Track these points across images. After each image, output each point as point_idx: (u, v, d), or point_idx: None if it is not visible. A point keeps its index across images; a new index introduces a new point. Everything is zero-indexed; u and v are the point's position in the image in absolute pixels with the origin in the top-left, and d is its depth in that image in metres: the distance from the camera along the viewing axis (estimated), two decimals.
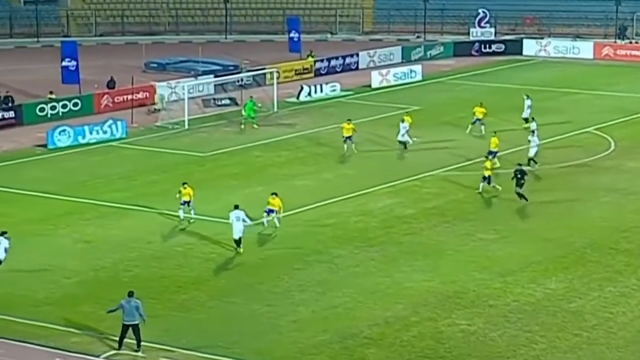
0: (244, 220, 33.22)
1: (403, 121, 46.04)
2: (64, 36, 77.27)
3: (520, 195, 37.69)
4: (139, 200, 38.89)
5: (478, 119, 49.11)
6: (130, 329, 25.97)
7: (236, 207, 33.57)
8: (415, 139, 47.66)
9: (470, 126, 49.04)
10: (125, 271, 31.73)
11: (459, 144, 47.16)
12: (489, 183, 38.90)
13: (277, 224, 35.41)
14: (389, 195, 39.53)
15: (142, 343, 26.14)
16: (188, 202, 36.33)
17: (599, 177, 41.96)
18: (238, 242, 33.17)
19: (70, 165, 44.82)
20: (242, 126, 51.05)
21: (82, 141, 48.18)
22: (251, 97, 52.81)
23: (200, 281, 30.94)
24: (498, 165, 41.70)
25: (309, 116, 54.21)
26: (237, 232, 33.06)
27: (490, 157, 40.62)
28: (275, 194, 35.50)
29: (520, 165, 37.90)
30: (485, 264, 32.11)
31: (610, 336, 27.01)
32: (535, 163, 42.76)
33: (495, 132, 43.11)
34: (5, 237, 31.43)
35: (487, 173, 38.87)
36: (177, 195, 36.50)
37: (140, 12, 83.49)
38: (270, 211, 35.33)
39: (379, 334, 27.18)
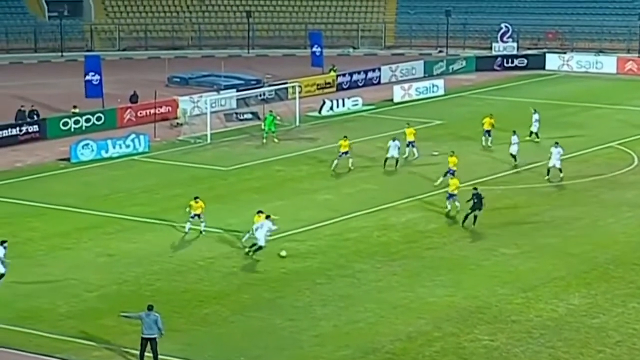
0: (270, 228, 33.69)
1: (394, 139, 45.57)
2: (88, 50, 77.79)
3: (473, 217, 36.28)
4: (161, 214, 38.97)
5: (487, 131, 49.44)
6: (149, 343, 25.95)
7: (267, 216, 34.10)
8: (435, 152, 47.62)
9: (482, 138, 49.40)
10: (147, 285, 31.77)
11: (480, 158, 47.01)
12: (450, 199, 38.00)
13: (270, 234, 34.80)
14: (411, 209, 39.45)
15: (164, 357, 26.13)
16: (199, 215, 36.37)
17: (622, 192, 41.72)
18: (259, 248, 33.61)
19: (93, 179, 44.99)
20: (264, 140, 51.12)
21: (105, 155, 48.37)
22: (270, 111, 52.88)
23: (222, 295, 30.93)
24: (437, 183, 41.38)
25: (331, 130, 54.21)
26: (261, 239, 33.68)
27: (450, 175, 40.44)
28: (261, 212, 34.68)
29: (475, 189, 36.78)
30: (508, 279, 31.96)
31: (634, 352, 26.79)
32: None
33: (453, 152, 42.76)
34: (3, 246, 31.25)
35: (452, 190, 37.95)
36: (187, 209, 36.55)
37: (164, 27, 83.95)
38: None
39: (401, 349, 27.08)
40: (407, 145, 47.23)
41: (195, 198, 36.90)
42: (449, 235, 36.49)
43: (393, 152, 45.20)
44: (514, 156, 45.40)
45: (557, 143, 44.12)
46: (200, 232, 36.44)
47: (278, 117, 52.52)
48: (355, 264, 33.50)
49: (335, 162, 44.69)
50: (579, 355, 26.63)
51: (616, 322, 28.62)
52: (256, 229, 33.89)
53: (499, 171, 44.98)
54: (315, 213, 38.91)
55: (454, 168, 41.56)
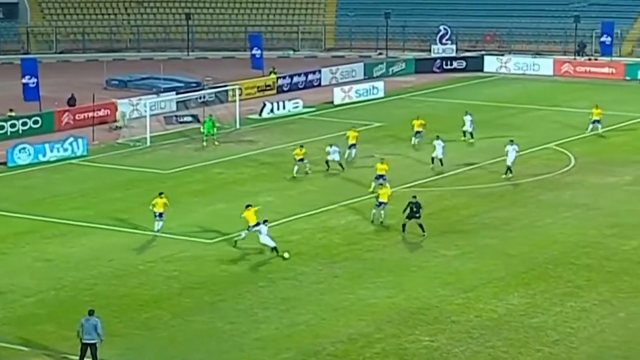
0: (259, 232, 34.09)
1: (331, 145, 45.74)
2: (24, 53, 76.82)
3: (419, 227, 36.21)
4: (100, 218, 38.63)
5: (418, 132, 50.09)
6: (89, 348, 25.67)
7: (265, 221, 34.44)
8: (375, 154, 47.82)
9: (412, 139, 50.17)
10: (86, 290, 31.46)
11: (419, 160, 47.32)
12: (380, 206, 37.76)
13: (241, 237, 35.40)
14: (352, 212, 39.58)
15: None
16: (161, 214, 36.35)
17: (560, 192, 42.31)
18: (275, 249, 34.03)
19: (30, 183, 44.45)
20: (204, 143, 50.94)
21: (42, 159, 47.82)
22: (210, 115, 52.74)
23: (162, 299, 30.74)
24: (370, 189, 41.43)
25: (272, 133, 54.22)
26: (268, 242, 34.00)
27: (380, 181, 40.83)
28: (249, 206, 35.51)
29: (414, 197, 36.49)
30: (448, 280, 32.21)
31: (572, 351, 27.17)
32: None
33: (383, 159, 43.11)
34: None
35: (382, 199, 37.69)
36: (151, 207, 36.41)
37: (101, 29, 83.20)
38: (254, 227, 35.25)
39: (343, 351, 27.15)
40: (349, 148, 47.45)
41: (160, 194, 36.75)
42: (390, 237, 36.67)
43: (334, 156, 45.32)
44: (438, 160, 45.18)
45: (511, 141, 44.75)
46: (157, 232, 36.38)
47: (217, 122, 52.27)
48: (296, 267, 33.51)
49: (297, 168, 44.65)
50: (518, 354, 26.93)
51: (554, 321, 29.00)
52: (254, 231, 34.02)
53: (439, 173, 45.28)
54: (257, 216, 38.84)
55: (384, 174, 41.60)
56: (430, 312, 29.64)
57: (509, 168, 44.13)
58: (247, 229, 35.12)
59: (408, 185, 42.18)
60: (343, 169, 45.31)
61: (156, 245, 35.58)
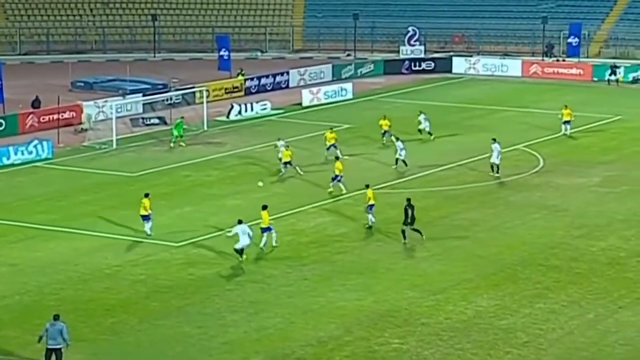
0: (249, 235, 33.70)
1: (279, 139, 46.60)
2: None
3: (418, 232, 35.89)
4: (66, 222, 38.41)
5: (386, 131, 50.69)
6: (54, 354, 25.51)
7: (240, 221, 33.92)
8: (345, 157, 47.94)
9: (383, 139, 50.65)
10: (52, 294, 31.27)
11: (389, 162, 47.46)
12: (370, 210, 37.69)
13: (275, 243, 35.38)
14: (321, 214, 39.63)
15: None
16: (147, 216, 36.43)
17: (528, 194, 42.58)
18: (241, 251, 33.66)
19: None
20: (172, 144, 50.80)
21: (6, 162, 47.47)
22: (182, 117, 52.60)
23: (129, 304, 30.62)
24: (344, 191, 41.74)
25: (240, 135, 54.17)
26: (242, 243, 33.64)
27: (337, 181, 41.46)
28: (265, 207, 35.47)
29: (409, 200, 36.21)
30: (417, 282, 32.32)
31: (541, 353, 27.35)
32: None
33: (337, 157, 43.44)
34: None
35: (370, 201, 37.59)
36: (142, 209, 36.45)
37: (66, 31, 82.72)
38: (266, 230, 35.27)
39: (312, 354, 27.17)
40: (327, 148, 47.76)
41: (146, 195, 36.86)
42: (359, 239, 36.74)
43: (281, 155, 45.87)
44: (402, 161, 45.21)
45: (494, 139, 45.04)
46: (147, 235, 36.44)
47: (185, 125, 52.10)
48: (265, 269, 33.50)
49: (283, 170, 44.72)
50: (487, 356, 27.07)
51: (523, 322, 29.18)
52: (243, 233, 33.72)
53: (409, 174, 45.46)
54: (225, 219, 38.76)
55: (340, 174, 41.81)
56: (400, 314, 29.71)
57: (497, 166, 44.52)
58: (262, 231, 35.03)
59: (378, 186, 42.24)
60: (297, 169, 45.32)
61: (123, 249, 35.42)
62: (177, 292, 31.53)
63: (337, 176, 41.87)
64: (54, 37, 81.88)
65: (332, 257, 34.80)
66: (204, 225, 38.08)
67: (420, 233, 35.95)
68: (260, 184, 42.40)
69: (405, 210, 35.85)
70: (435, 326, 28.88)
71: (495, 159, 44.67)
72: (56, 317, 25.78)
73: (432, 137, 51.78)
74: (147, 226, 36.89)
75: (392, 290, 31.64)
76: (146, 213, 36.66)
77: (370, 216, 37.67)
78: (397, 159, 45.59)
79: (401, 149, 45.51)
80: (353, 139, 52.83)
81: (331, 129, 49.50)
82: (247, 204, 41.03)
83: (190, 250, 35.44)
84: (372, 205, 37.59)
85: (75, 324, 27.59)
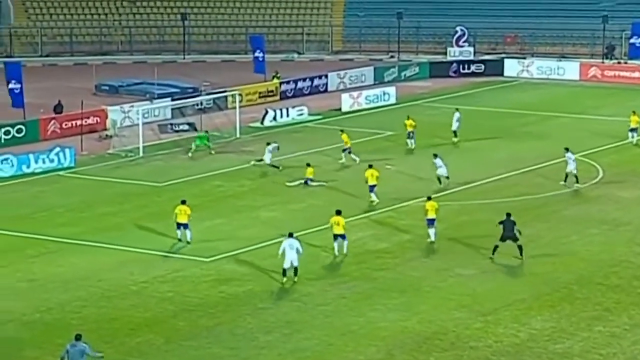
0: (297, 250, 33.69)
1: (269, 144, 48.05)
2: (7, 56, 77.12)
3: (518, 249, 35.59)
4: (89, 235, 38.69)
5: (411, 132, 51.60)
6: None
7: (290, 235, 34.07)
8: (388, 166, 47.95)
9: (407, 141, 51.55)
10: (74, 312, 31.49)
11: (435, 171, 47.31)
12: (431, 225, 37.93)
13: (345, 250, 35.84)
14: (362, 227, 39.61)
15: None
16: (185, 225, 36.87)
17: (586, 207, 42.29)
18: (285, 272, 33.62)
19: (13, 197, 44.54)
20: (190, 154, 50.91)
21: (26, 171, 47.94)
22: (206, 131, 52.68)
23: (155, 323, 30.76)
24: (376, 201, 42.04)
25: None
26: (289, 260, 33.51)
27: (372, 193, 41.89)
28: (339, 212, 35.93)
29: (509, 215, 35.79)
30: (465, 302, 32.19)
31: None
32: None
33: (371, 165, 43.58)
34: None
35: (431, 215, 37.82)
36: (174, 217, 36.98)
37: (91, 31, 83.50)
38: (339, 237, 35.67)
39: None
40: (343, 152, 48.75)
41: (183, 202, 37.28)
42: (402, 255, 36.68)
43: (267, 158, 47.17)
44: (440, 178, 44.68)
45: (567, 149, 44.82)
46: (187, 243, 36.92)
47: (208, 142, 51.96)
48: (301, 287, 33.51)
49: (297, 182, 45.18)
50: None
51: (581, 347, 28.96)
52: (291, 248, 33.75)
53: (455, 185, 45.33)
54: (258, 232, 38.88)
55: (374, 183, 42.16)
56: (446, 337, 29.59)
57: (574, 175, 44.44)
58: (335, 239, 35.52)
59: (422, 199, 42.12)
60: (279, 169, 46.97)
61: (149, 264, 35.61)
62: (206, 311, 31.64)
63: (373, 186, 42.06)
64: (77, 38, 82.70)
65: (373, 274, 34.75)
66: (236, 239, 38.19)
67: (521, 252, 35.64)
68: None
69: (504, 225, 35.53)
70: (485, 350, 28.73)
71: (571, 169, 44.36)
72: (78, 337, 25.94)
73: (456, 139, 52.20)
74: (188, 235, 37.26)
75: (437, 310, 31.53)
76: (187, 220, 37.01)
77: (430, 231, 37.53)
78: (438, 177, 44.84)
79: (441, 164, 44.66)
80: (395, 147, 52.78)
81: (342, 130, 50.41)
82: (282, 216, 41.11)
83: (222, 265, 35.55)
84: (432, 220, 37.42)
85: (98, 344, 27.76)
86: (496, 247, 35.72)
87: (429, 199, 38.24)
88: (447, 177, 44.79)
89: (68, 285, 33.61)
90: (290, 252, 33.67)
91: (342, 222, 36.00)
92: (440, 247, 37.35)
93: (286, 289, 33.38)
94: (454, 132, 53.11)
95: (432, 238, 37.62)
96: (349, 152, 49.00)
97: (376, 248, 37.38)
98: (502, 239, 35.60)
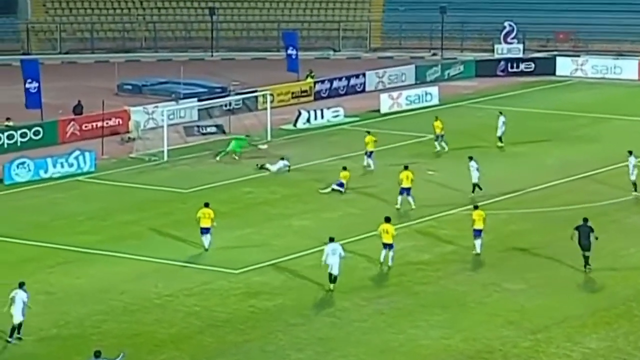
0: (340, 255, 34.06)
1: (283, 159, 48.89)
2: (24, 54, 77.68)
3: (585, 261, 35.53)
4: (110, 244, 38.85)
5: (440, 136, 51.67)
6: None
7: (331, 239, 34.36)
8: (430, 171, 47.84)
9: (435, 144, 51.76)
10: (93, 327, 31.63)
11: (480, 177, 47.17)
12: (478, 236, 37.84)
13: (390, 262, 35.98)
14: (402, 237, 39.45)
15: None
16: (208, 229, 37.28)
17: None
18: (331, 276, 34.05)
19: (30, 203, 44.81)
20: (218, 158, 51.02)
21: (44, 175, 48.22)
22: (247, 135, 52.58)
23: (180, 339, 30.83)
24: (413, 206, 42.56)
25: (308, 146, 54.31)
26: (335, 268, 33.98)
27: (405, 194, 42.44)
28: (389, 220, 36.20)
29: (586, 220, 35.61)
30: (514, 319, 32.03)
31: None
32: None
33: (406, 166, 43.66)
34: (24, 289, 30.64)
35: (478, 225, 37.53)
36: (197, 220, 37.43)
37: (113, 26, 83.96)
38: (387, 246, 35.83)
39: None
40: (365, 155, 49.07)
41: (206, 204, 37.69)
42: (445, 267, 36.56)
43: (273, 167, 48.11)
44: (476, 185, 44.31)
45: (630, 152, 44.78)
46: (205, 250, 37.29)
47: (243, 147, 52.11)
48: (336, 301, 33.48)
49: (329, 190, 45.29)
50: None
51: None
52: (333, 253, 34.23)
53: (504, 192, 45.14)
54: (290, 241, 38.89)
55: (409, 185, 42.44)
56: (492, 356, 29.46)
57: (633, 183, 44.21)
58: (384, 247, 35.77)
59: (466, 208, 41.98)
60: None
61: (174, 276, 35.71)
62: (235, 327, 31.68)
63: (407, 189, 42.37)
64: (98, 34, 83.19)
65: (414, 288, 34.66)
66: (266, 249, 38.22)
67: (588, 263, 35.48)
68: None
69: (579, 232, 35.42)
70: None
71: (632, 175, 44.21)
72: (97, 354, 26.06)
73: (501, 144, 52.21)
74: (207, 240, 37.55)
75: (483, 327, 31.39)
76: (209, 225, 37.33)
77: (476, 242, 37.42)
78: (474, 185, 44.46)
79: (475, 169, 44.29)
80: (437, 151, 52.62)
81: (368, 132, 50.50)
82: (316, 225, 41.10)
83: (251, 278, 35.58)
84: (479, 231, 37.29)
85: None
86: (585, 257, 35.46)
87: (476, 207, 38.10)
88: (476, 185, 44.21)
89: (87, 298, 33.75)
90: (332, 258, 34.06)
91: (391, 230, 36.08)
92: (487, 259, 37.18)
93: (320, 303, 33.34)
94: (499, 137, 52.83)
95: (478, 250, 37.48)
96: (369, 156, 49.24)
97: (417, 260, 37.28)
98: (581, 247, 35.31)
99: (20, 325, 30.36)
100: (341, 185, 44.98)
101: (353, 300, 33.59)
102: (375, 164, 49.12)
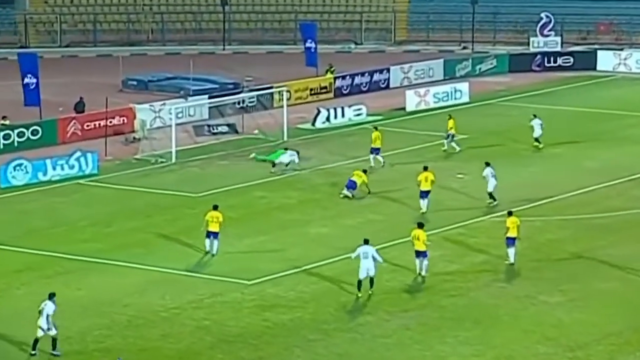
0: (374, 258, 34.52)
1: (286, 149, 49.53)
2: (21, 47, 77.95)
3: None
4: (113, 253, 38.97)
5: (451, 135, 51.99)
6: None
7: (366, 242, 34.84)
8: (460, 175, 47.80)
9: (444, 142, 52.05)
10: (96, 342, 31.74)
11: (514, 180, 47.13)
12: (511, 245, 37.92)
13: (424, 272, 36.23)
14: (428, 246, 39.46)
15: None
16: (215, 234, 37.73)
17: None
18: (360, 284, 34.46)
19: (27, 208, 44.99)
20: (252, 155, 51.16)
21: (42, 178, 48.38)
22: (286, 148, 51.92)
23: (189, 355, 30.90)
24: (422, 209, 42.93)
25: (327, 147, 54.33)
26: (364, 270, 34.41)
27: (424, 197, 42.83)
28: (421, 225, 36.45)
29: None
30: (551, 335, 32.00)
31: None
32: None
33: (426, 167, 43.96)
34: (53, 301, 30.83)
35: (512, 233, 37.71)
36: (203, 228, 37.85)
37: (117, 18, 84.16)
38: (420, 254, 36.11)
39: None
40: (371, 153, 49.57)
41: (216, 207, 38.21)
42: (476, 278, 36.54)
43: (284, 158, 48.64)
44: (490, 195, 44.05)
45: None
46: (212, 255, 37.78)
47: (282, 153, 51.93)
48: (357, 316, 33.51)
49: (346, 193, 45.24)
50: None
51: None
52: (365, 257, 34.71)
53: (539, 198, 45.08)
54: (308, 251, 38.93)
55: (428, 188, 42.74)
56: None
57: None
58: (417, 256, 36.10)
59: (499, 213, 41.95)
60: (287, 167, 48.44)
61: (182, 287, 35.80)
62: (248, 342, 31.74)
63: (426, 192, 42.61)
64: (101, 26, 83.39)
65: (442, 301, 34.66)
66: (282, 259, 38.26)
67: None
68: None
69: None
70: None
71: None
72: None
73: (540, 145, 52.27)
74: (215, 246, 37.88)
75: (517, 344, 31.37)
76: (218, 229, 37.73)
77: (510, 251, 37.40)
78: (490, 193, 44.10)
79: (492, 175, 43.85)
80: (468, 152, 52.58)
81: (376, 127, 51.14)
82: (336, 232, 41.13)
83: (266, 289, 35.63)
84: (512, 239, 37.27)
85: None
86: None
87: (510, 214, 38.05)
88: (490, 195, 43.80)
89: (89, 311, 33.85)
90: (365, 261, 34.44)
91: (423, 237, 36.21)
92: (521, 269, 37.13)
93: (340, 317, 33.36)
94: (537, 139, 52.57)
95: (512, 259, 37.45)
96: (377, 154, 49.78)
97: (446, 270, 37.26)
98: None
99: (54, 340, 30.46)
100: (353, 186, 44.99)
101: (376, 314, 33.60)
102: (385, 162, 49.54)
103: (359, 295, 34.39)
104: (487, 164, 44.55)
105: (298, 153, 49.63)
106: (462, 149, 52.30)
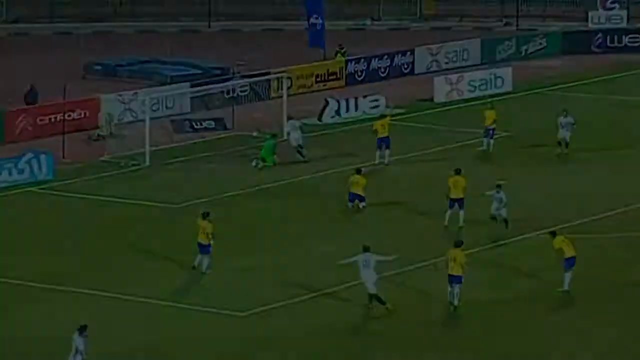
0: (376, 263, 35.50)
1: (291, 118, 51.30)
2: None
3: None
4: (70, 278, 38.91)
5: (490, 129, 52.48)
6: None
7: (366, 249, 35.86)
8: (500, 181, 47.83)
9: (483, 140, 52.73)
10: None
11: (566, 188, 47.19)
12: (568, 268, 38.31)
13: (456, 300, 36.42)
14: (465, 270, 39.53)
15: None
16: (207, 246, 38.06)
17: None
18: (372, 297, 35.47)
19: None
20: (256, 163, 51.06)
21: None
22: (274, 135, 52.26)
23: None
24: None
25: (337, 146, 54.35)
26: (371, 284, 35.35)
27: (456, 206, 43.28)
28: (460, 244, 36.74)
29: None
30: None
31: None
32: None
33: (457, 171, 44.05)
34: (84, 336, 31.17)
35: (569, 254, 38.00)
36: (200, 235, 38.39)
37: None
38: (454, 279, 36.35)
39: None
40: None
41: (206, 214, 38.69)
42: (521, 308, 36.56)
43: (292, 138, 50.41)
44: (502, 220, 43.84)
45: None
46: (202, 273, 38.27)
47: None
48: (373, 354, 33.57)
49: (351, 205, 45.48)
50: None
51: None
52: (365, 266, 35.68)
53: (600, 210, 45.08)
54: (313, 273, 38.93)
55: (460, 196, 43.08)
56: None
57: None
58: (451, 281, 36.27)
59: (550, 228, 41.97)
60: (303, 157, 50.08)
61: (161, 320, 35.80)
62: None
63: (457, 200, 43.16)
64: None
65: (479, 338, 34.76)
66: (282, 284, 38.28)
67: None
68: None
69: None
70: None
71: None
72: None
73: (565, 151, 52.26)
74: (206, 262, 38.17)
75: None
76: (207, 242, 37.92)
77: (566, 275, 37.52)
78: (493, 216, 43.69)
79: (499, 201, 43.48)
80: (511, 152, 52.59)
81: (384, 115, 52.43)
82: (344, 251, 41.02)
83: (262, 322, 35.66)
84: (570, 260, 37.33)
85: None
86: None
87: (553, 234, 37.89)
88: (493, 217, 43.55)
89: (41, 351, 33.76)
90: (365, 271, 35.04)
91: (461, 259, 36.16)
92: (578, 298, 37.12)
93: (351, 357, 33.40)
94: (561, 141, 52.13)
95: (566, 286, 37.43)
96: (387, 146, 50.76)
97: (484, 299, 37.28)
98: None
99: None
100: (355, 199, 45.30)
101: (391, 355, 33.58)
102: (390, 160, 50.39)
103: (371, 306, 35.61)
104: (499, 187, 43.76)
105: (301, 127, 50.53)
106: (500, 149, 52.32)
